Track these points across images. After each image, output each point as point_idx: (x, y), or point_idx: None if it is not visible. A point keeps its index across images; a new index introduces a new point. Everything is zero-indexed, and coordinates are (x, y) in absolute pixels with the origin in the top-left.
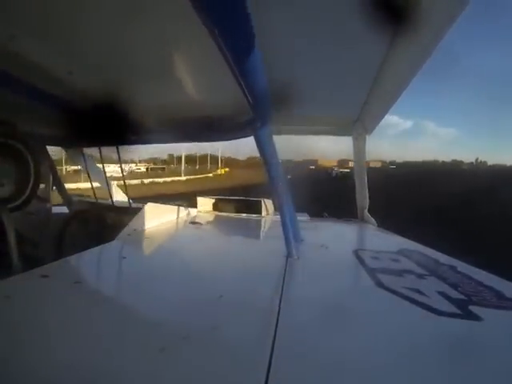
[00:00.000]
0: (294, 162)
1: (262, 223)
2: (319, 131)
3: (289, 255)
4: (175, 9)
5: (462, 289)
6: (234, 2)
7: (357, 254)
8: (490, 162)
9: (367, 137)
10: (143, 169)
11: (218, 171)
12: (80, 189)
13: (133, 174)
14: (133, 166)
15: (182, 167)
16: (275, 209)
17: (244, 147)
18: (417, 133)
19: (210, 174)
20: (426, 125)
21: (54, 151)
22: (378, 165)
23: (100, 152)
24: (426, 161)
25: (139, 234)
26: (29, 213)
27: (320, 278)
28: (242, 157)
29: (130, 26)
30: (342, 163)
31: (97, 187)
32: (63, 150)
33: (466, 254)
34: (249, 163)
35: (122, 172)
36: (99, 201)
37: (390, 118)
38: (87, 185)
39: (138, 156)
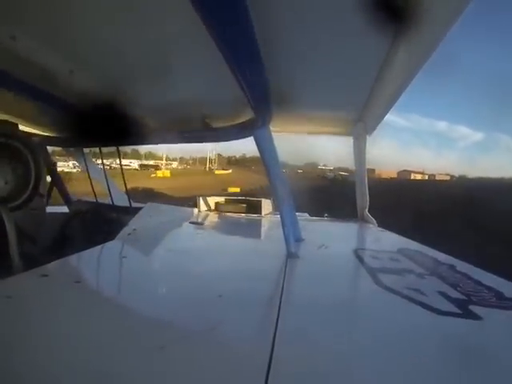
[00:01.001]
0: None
1: (262, 223)
2: (320, 131)
3: (289, 255)
4: (175, 9)
5: (462, 288)
6: (233, 2)
7: (357, 253)
8: None
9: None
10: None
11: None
12: None
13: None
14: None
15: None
16: (275, 208)
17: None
18: (489, 146)
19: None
20: (499, 137)
21: None
22: (447, 178)
23: (100, 152)
24: (504, 177)
25: (139, 233)
26: (29, 212)
27: (320, 277)
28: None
29: (130, 26)
30: (404, 174)
31: None
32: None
33: None
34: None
35: (122, 171)
36: (99, 200)
37: (458, 129)
38: None
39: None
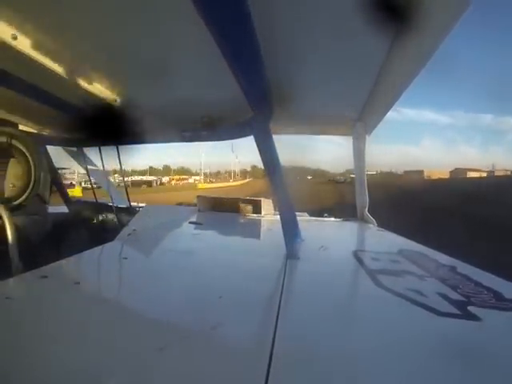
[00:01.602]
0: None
1: (262, 223)
2: (320, 132)
3: (288, 255)
4: (176, 9)
5: (462, 289)
6: (234, 2)
7: (357, 254)
8: None
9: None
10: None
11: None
12: None
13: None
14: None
15: None
16: (275, 208)
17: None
18: None
19: None
20: None
21: None
22: (507, 173)
23: (100, 152)
24: None
25: (139, 234)
26: (29, 213)
27: (320, 278)
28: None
29: (130, 26)
30: (458, 173)
31: None
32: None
33: None
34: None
35: (123, 173)
36: (99, 201)
37: (505, 120)
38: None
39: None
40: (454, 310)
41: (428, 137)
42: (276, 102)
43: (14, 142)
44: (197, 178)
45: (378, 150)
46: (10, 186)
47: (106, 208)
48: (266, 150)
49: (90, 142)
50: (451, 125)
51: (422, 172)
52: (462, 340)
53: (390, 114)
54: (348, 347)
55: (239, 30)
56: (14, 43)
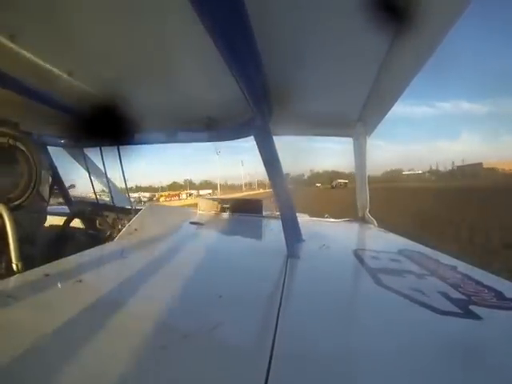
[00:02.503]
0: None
1: (263, 223)
2: (320, 133)
3: (289, 255)
4: (175, 9)
5: (463, 289)
6: (233, 2)
7: (357, 254)
8: None
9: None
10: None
11: None
12: None
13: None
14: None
15: None
16: (276, 209)
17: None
18: None
19: None
20: None
21: None
22: None
23: (101, 152)
24: None
25: (140, 234)
26: (30, 212)
27: (321, 278)
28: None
29: (130, 26)
30: None
31: None
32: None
33: None
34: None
35: (123, 174)
36: (100, 202)
37: None
38: None
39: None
40: (456, 309)
41: (466, 129)
42: (276, 103)
43: (14, 142)
44: (208, 191)
45: (416, 147)
46: (11, 186)
47: (107, 208)
48: (266, 150)
49: (90, 143)
50: (488, 114)
51: (480, 165)
52: (463, 338)
53: (412, 110)
54: (349, 346)
55: (238, 30)
56: (13, 43)
